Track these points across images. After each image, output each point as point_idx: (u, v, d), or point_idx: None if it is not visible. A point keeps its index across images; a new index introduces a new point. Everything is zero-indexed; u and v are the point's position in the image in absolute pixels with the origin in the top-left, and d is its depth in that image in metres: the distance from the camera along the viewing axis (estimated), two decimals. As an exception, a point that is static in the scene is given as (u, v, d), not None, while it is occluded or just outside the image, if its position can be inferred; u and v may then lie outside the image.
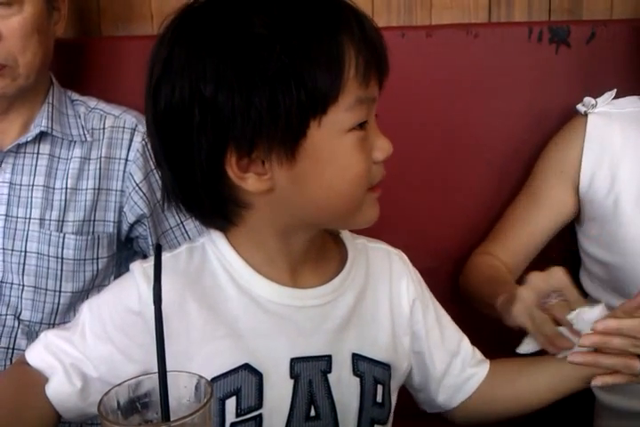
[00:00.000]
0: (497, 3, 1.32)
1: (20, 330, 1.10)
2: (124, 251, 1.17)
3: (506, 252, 1.16)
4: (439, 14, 1.32)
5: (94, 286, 1.13)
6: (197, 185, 0.70)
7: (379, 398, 0.79)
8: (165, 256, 0.76)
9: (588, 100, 1.14)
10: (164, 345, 0.58)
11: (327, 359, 0.76)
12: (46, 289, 1.10)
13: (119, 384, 0.57)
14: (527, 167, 1.21)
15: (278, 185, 0.70)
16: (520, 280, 0.90)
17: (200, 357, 0.73)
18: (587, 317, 0.80)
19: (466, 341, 0.89)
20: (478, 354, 0.89)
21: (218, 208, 0.73)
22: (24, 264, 1.09)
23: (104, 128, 1.14)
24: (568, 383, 0.84)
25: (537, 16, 1.32)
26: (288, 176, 0.69)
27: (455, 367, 0.86)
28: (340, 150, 0.69)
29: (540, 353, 0.85)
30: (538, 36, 1.24)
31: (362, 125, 0.70)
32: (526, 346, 0.85)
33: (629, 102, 1.15)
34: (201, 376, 0.57)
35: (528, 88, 1.26)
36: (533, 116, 1.25)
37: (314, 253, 0.78)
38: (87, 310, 0.78)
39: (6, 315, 1.10)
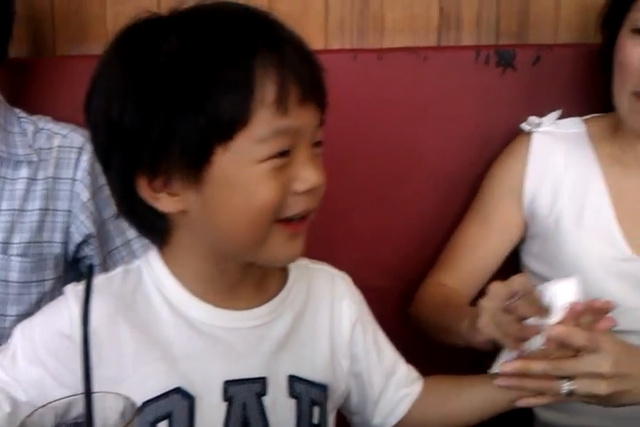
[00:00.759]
0: (446, 26, 1.34)
1: (-38, 355, 1.07)
2: (71, 272, 1.15)
3: (456, 280, 1.14)
4: (391, 37, 1.34)
5: (40, 309, 1.11)
6: (120, 203, 0.71)
7: (315, 420, 0.78)
8: (100, 278, 0.76)
9: (532, 119, 1.16)
10: (90, 366, 0.56)
11: (262, 382, 0.75)
12: (-10, 313, 1.08)
13: (43, 406, 0.56)
14: (475, 187, 1.22)
15: (191, 207, 0.69)
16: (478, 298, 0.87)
17: (132, 380, 0.71)
18: (557, 287, 0.79)
19: (401, 362, 0.88)
20: (413, 372, 0.89)
21: (143, 225, 0.73)
22: (-32, 288, 1.07)
23: (51, 148, 1.12)
24: (496, 405, 0.85)
25: (485, 39, 1.34)
26: (197, 200, 0.68)
27: (390, 388, 0.86)
28: (249, 178, 0.66)
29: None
30: (485, 59, 1.26)
31: (284, 153, 0.67)
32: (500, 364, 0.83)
33: (572, 123, 1.17)
34: (126, 397, 0.56)
35: (475, 109, 1.27)
36: (480, 137, 1.27)
37: (253, 275, 0.77)
38: (19, 332, 0.76)
39: (-51, 340, 1.07)
